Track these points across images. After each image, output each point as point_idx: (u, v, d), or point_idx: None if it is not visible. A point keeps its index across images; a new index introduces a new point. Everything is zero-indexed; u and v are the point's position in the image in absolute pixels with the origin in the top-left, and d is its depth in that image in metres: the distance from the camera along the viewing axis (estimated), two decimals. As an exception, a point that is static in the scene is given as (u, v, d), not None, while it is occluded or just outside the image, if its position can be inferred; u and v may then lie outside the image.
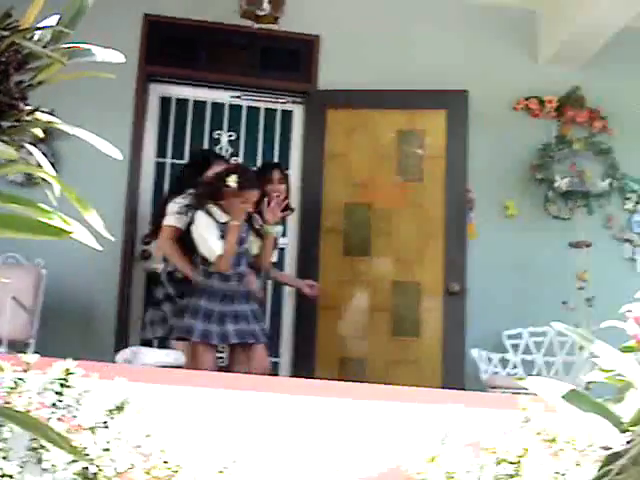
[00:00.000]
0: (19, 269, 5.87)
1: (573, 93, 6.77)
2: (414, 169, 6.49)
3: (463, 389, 5.40)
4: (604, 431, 1.42)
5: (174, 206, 5.25)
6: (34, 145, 1.62)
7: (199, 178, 5.30)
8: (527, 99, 6.80)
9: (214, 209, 4.99)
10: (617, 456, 1.40)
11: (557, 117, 6.81)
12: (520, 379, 1.67)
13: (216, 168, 5.29)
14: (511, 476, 1.85)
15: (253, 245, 5.20)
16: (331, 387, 3.18)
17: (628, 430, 1.44)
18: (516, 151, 6.70)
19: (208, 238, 4.95)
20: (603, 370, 1.58)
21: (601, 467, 1.40)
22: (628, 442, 1.42)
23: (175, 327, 5.02)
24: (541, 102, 6.79)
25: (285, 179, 5.61)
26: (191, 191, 5.25)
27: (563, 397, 1.55)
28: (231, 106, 6.79)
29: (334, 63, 6.70)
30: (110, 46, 1.67)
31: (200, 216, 4.98)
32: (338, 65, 6.68)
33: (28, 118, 1.58)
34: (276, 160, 6.63)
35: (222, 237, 4.94)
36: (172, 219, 5.22)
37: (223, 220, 4.97)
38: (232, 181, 4.91)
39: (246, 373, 4.85)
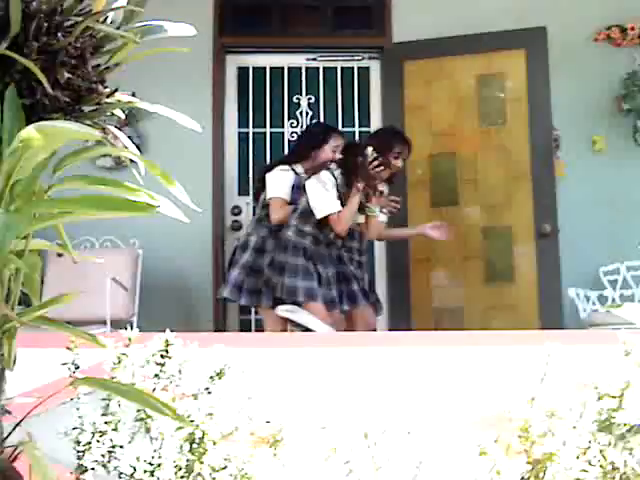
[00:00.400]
0: (116, 251, 6.06)
1: (656, 15, 6.55)
2: (496, 113, 6.40)
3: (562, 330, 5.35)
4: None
5: (277, 175, 5.24)
6: (119, 129, 1.67)
7: (314, 151, 5.26)
8: (608, 29, 6.59)
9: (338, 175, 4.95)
10: None
11: (641, 43, 6.60)
12: (616, 306, 1.64)
13: (333, 142, 5.26)
14: (614, 409, 1.83)
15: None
16: (428, 337, 3.19)
17: None
18: (600, 84, 6.52)
19: (329, 194, 4.88)
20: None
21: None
22: None
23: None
24: (623, 30, 6.58)
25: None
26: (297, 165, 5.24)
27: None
28: (307, 69, 6.81)
29: (407, 14, 6.63)
30: (184, 21, 1.70)
31: (325, 174, 4.93)
32: (412, 16, 6.60)
33: (108, 100, 1.62)
34: (357, 118, 6.65)
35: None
36: (278, 190, 5.21)
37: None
38: (370, 152, 4.86)
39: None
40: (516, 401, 1.91)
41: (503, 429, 1.89)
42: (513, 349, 2.66)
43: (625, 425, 1.74)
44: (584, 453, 1.73)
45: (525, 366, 2.03)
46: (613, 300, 6.04)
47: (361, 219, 5.16)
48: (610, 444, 1.73)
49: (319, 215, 4.89)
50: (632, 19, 6.54)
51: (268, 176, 5.28)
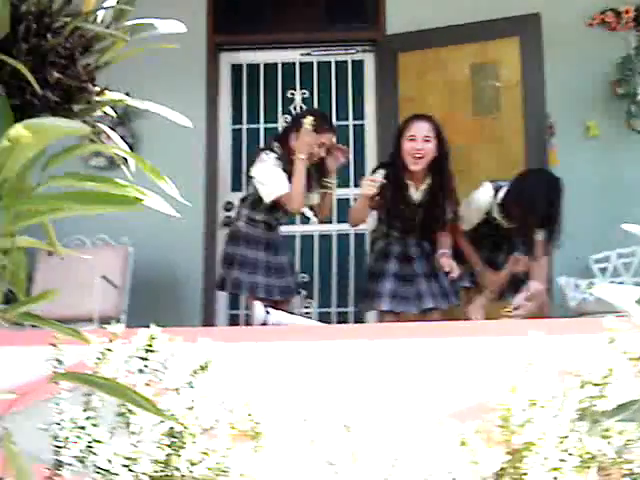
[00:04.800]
0: (107, 249, 6.07)
1: (651, -2, 6.52)
2: (491, 102, 6.40)
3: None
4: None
5: None
6: (112, 129, 1.68)
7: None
8: (602, 13, 6.53)
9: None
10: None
11: (635, 27, 6.53)
12: (591, 287, 1.65)
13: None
14: (596, 398, 1.85)
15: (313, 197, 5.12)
16: (411, 329, 3.19)
17: None
18: (595, 69, 6.47)
19: (274, 176, 4.80)
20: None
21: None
22: None
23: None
24: (617, 14, 6.52)
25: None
26: None
27: (638, 301, 1.50)
28: (301, 64, 6.80)
29: (400, 6, 6.62)
30: (177, 20, 1.71)
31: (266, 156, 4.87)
32: (404, 7, 6.59)
33: (98, 98, 1.64)
34: (351, 111, 6.63)
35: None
36: None
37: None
38: (308, 123, 4.79)
39: None
40: (499, 391, 1.92)
41: (485, 419, 1.90)
42: (498, 339, 2.67)
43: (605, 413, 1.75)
44: (562, 442, 1.73)
45: (510, 356, 2.04)
46: (603, 288, 5.95)
47: (315, 199, 5.12)
48: (588, 433, 1.75)
49: (268, 199, 4.83)
50: (627, 3, 6.50)
51: None
